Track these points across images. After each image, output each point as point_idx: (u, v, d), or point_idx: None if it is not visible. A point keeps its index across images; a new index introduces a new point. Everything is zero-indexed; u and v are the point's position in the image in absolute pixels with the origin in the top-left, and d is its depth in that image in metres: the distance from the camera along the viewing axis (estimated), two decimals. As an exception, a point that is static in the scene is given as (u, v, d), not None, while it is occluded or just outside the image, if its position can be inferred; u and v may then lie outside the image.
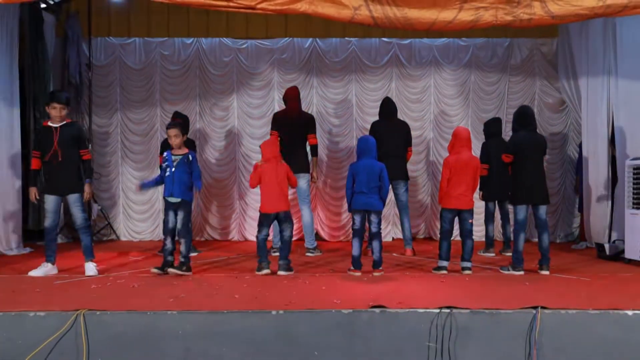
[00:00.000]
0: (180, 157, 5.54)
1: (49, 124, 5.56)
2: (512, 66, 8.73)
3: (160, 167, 5.77)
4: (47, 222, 5.56)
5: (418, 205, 8.67)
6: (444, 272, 5.60)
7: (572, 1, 5.44)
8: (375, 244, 5.58)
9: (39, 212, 7.52)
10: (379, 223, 5.63)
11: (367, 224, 5.67)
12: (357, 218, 5.61)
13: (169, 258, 5.49)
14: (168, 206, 5.52)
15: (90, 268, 5.53)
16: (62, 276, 5.40)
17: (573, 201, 8.55)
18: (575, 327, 3.96)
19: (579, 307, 4.06)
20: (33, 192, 5.58)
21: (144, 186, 5.83)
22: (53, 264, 5.57)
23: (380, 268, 5.53)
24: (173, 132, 5.54)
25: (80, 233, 5.62)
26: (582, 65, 7.66)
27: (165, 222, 5.54)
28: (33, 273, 5.42)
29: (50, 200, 5.52)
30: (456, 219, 5.77)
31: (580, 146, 7.94)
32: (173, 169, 5.48)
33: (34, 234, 7.62)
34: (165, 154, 5.66)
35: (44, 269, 5.47)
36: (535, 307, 3.99)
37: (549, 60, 8.66)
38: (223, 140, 8.67)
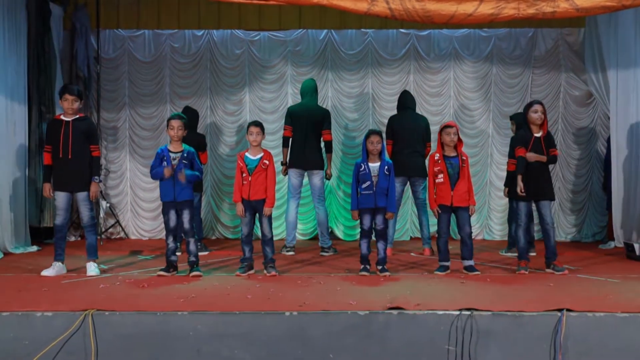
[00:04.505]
0: (180, 154, 5.47)
1: (61, 117, 5.59)
2: (536, 57, 8.63)
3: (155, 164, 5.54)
4: (58, 219, 5.57)
5: (437, 203, 8.63)
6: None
7: (598, -8, 5.37)
8: (380, 244, 5.58)
9: (45, 209, 7.61)
10: (385, 221, 5.62)
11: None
12: (365, 218, 5.61)
13: (173, 258, 5.49)
14: (168, 206, 5.48)
15: (92, 268, 5.55)
16: (70, 275, 5.46)
17: (601, 199, 8.46)
18: (602, 331, 3.92)
19: (606, 309, 4.02)
20: (47, 188, 5.57)
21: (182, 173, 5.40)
22: (63, 263, 5.60)
23: (386, 269, 5.53)
24: (177, 123, 5.45)
25: (86, 231, 5.65)
26: (610, 56, 7.55)
27: (166, 222, 5.51)
28: (45, 272, 5.44)
29: (60, 197, 5.54)
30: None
31: (608, 141, 7.85)
32: (173, 169, 5.41)
33: (41, 231, 7.69)
34: (160, 150, 5.53)
35: (56, 269, 5.50)
36: (560, 310, 3.95)
37: (575, 51, 8.55)
38: (235, 135, 8.69)
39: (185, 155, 5.48)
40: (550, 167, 5.97)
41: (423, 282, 5.24)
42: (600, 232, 8.53)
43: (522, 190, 5.62)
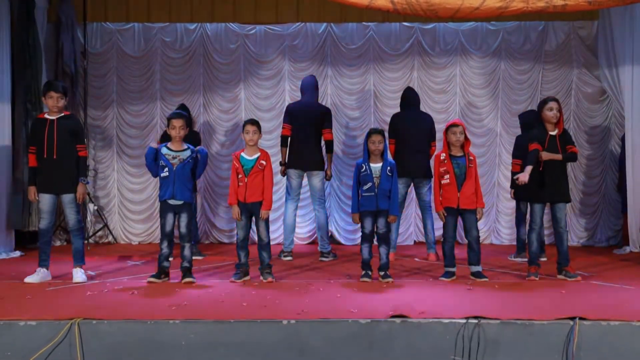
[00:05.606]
0: (182, 153, 5.50)
1: (45, 116, 5.60)
2: (547, 52, 8.64)
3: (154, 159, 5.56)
4: (42, 223, 5.56)
5: (443, 205, 8.64)
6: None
7: (611, -15, 5.41)
8: (383, 249, 5.60)
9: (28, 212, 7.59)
10: (387, 225, 5.64)
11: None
12: (367, 222, 5.62)
13: (165, 264, 5.49)
14: (167, 208, 5.49)
15: (79, 274, 5.54)
16: (55, 282, 5.45)
17: (615, 201, 8.47)
18: (617, 341, 3.92)
19: (621, 318, 4.02)
20: (32, 191, 5.56)
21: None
22: (47, 269, 5.59)
23: (389, 275, 5.55)
24: (179, 122, 5.46)
25: (72, 236, 5.66)
26: (625, 50, 7.56)
27: (163, 225, 5.50)
28: (29, 279, 5.43)
29: (45, 200, 5.53)
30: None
31: (623, 140, 7.86)
32: (174, 169, 5.44)
33: (25, 236, 7.68)
34: (160, 148, 5.53)
35: (40, 275, 5.49)
36: (572, 318, 3.96)
37: (587, 46, 8.57)
38: (230, 134, 8.69)
39: (185, 155, 5.47)
40: (568, 166, 5.96)
41: (428, 288, 5.25)
42: (615, 236, 8.54)
43: (521, 182, 5.54)
